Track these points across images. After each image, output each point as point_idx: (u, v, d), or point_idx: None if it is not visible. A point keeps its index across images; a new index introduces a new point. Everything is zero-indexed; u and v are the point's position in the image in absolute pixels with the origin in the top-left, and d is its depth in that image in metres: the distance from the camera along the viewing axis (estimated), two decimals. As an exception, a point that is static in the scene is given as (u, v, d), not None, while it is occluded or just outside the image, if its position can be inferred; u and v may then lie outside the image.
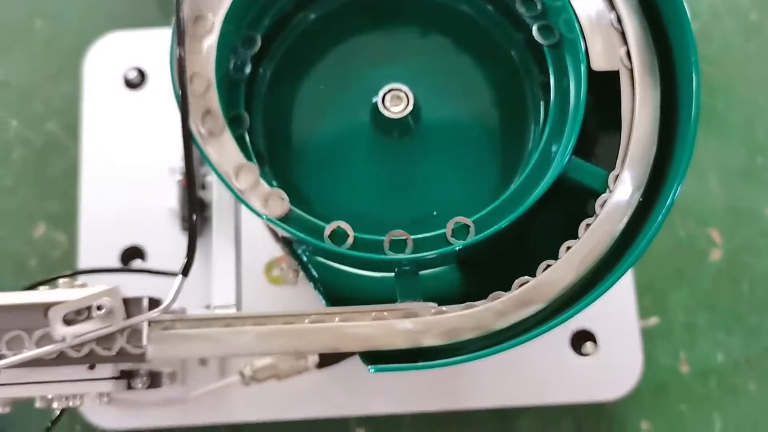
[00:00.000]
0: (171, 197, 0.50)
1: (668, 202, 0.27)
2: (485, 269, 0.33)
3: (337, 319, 0.28)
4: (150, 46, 0.54)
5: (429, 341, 0.28)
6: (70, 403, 0.32)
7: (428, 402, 0.48)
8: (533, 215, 0.30)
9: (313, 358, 0.44)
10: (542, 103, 0.33)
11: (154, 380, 0.36)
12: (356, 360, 0.45)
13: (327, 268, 0.32)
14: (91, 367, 0.30)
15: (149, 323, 0.29)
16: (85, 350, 0.29)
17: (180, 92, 0.30)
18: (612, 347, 0.47)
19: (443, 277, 0.32)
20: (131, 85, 0.53)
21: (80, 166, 0.52)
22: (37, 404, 0.34)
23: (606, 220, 0.28)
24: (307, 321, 0.29)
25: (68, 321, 0.29)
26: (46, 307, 0.29)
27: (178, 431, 0.50)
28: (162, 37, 0.54)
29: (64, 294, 0.30)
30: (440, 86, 0.35)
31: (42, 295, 0.30)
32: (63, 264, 0.54)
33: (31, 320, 0.29)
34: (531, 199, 0.28)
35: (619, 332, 0.48)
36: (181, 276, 0.29)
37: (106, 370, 0.30)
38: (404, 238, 0.29)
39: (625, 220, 0.29)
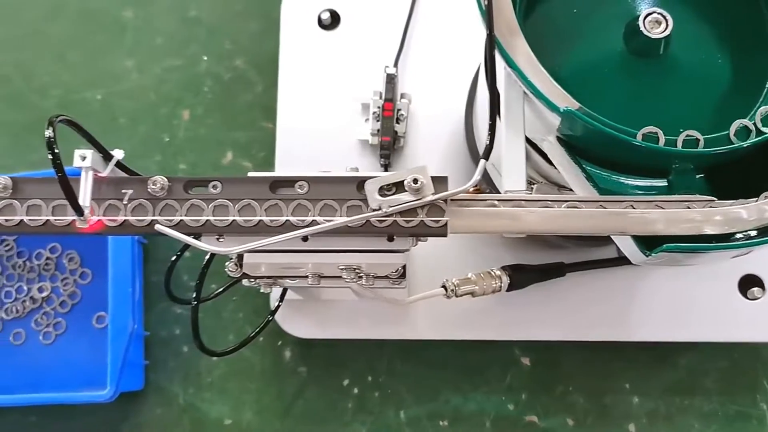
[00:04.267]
0: (362, 130, 0.54)
1: None
2: (728, 182, 0.36)
3: (623, 205, 0.32)
4: (344, -9, 0.58)
5: (710, 229, 0.31)
6: (359, 280, 0.36)
7: (594, 332, 0.52)
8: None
9: (506, 280, 0.47)
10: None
11: (403, 274, 0.40)
12: (532, 288, 0.49)
13: (598, 178, 0.36)
14: (390, 240, 0.34)
15: (449, 200, 0.33)
16: (388, 221, 0.33)
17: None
18: (779, 293, 0.51)
19: (696, 188, 0.36)
20: (324, 26, 0.57)
21: (277, 100, 0.56)
22: (309, 280, 0.38)
23: None
24: (596, 206, 0.32)
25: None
26: (360, 181, 0.33)
27: (357, 344, 0.54)
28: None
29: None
30: (684, 13, 0.38)
31: (354, 173, 0.34)
32: (252, 189, 0.58)
33: (343, 193, 0.33)
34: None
35: (787, 279, 0.51)
36: (483, 160, 0.32)
37: (405, 243, 0.34)
38: (695, 138, 0.32)
39: None
